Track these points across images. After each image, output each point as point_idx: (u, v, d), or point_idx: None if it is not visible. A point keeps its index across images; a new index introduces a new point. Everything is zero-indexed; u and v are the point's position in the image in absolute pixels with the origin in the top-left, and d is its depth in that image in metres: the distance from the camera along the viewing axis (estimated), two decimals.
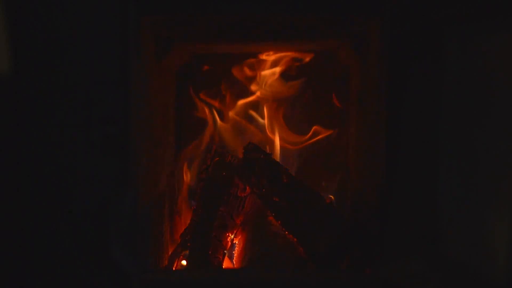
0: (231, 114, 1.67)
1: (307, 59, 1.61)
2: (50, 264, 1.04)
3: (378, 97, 1.16)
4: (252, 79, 1.65)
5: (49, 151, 1.04)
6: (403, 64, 1.06)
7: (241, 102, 1.67)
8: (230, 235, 1.46)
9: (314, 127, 1.64)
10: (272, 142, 1.65)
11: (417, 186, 1.07)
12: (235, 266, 1.44)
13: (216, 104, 1.69)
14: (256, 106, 1.68)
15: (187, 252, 1.39)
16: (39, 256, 1.04)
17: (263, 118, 1.67)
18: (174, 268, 1.39)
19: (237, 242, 1.48)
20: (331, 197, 1.61)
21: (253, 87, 1.65)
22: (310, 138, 1.65)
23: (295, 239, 1.34)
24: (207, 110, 1.69)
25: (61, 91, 1.04)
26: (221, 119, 1.69)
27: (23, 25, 1.02)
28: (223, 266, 1.42)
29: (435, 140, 1.06)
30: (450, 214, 1.06)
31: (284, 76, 1.65)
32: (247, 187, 1.46)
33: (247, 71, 1.64)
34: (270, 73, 1.63)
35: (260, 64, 1.63)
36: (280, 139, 1.65)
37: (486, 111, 1.02)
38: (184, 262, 1.40)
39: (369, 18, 1.20)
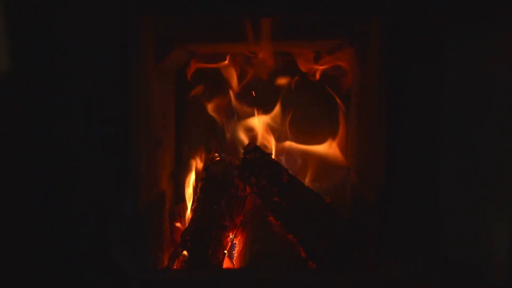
0: (232, 114, 1.68)
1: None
2: (50, 264, 1.04)
3: (378, 97, 1.16)
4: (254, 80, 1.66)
5: (49, 151, 1.04)
6: (403, 64, 1.06)
7: (242, 101, 1.67)
8: (230, 235, 1.46)
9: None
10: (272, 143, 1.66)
11: (417, 186, 1.07)
12: (235, 266, 1.44)
13: (217, 103, 1.69)
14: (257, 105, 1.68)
15: (186, 253, 1.39)
16: (39, 256, 1.04)
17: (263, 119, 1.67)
18: (174, 268, 1.39)
19: (237, 242, 1.48)
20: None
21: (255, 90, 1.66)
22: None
23: (295, 239, 1.34)
24: (207, 110, 1.69)
25: (61, 91, 1.04)
26: (222, 119, 1.69)
27: (23, 25, 1.02)
28: (223, 266, 1.42)
29: (435, 140, 1.06)
30: (450, 214, 1.06)
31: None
32: (247, 187, 1.46)
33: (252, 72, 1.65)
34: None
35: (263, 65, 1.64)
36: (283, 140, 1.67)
37: (486, 111, 1.02)
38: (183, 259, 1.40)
39: (369, 18, 1.20)
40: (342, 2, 1.10)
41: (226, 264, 1.44)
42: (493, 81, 1.01)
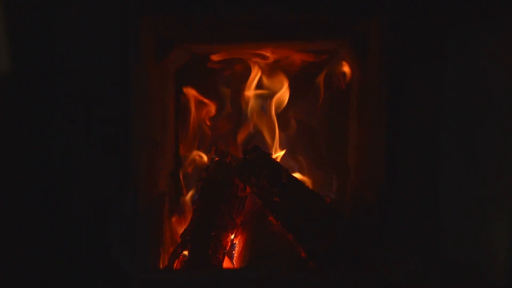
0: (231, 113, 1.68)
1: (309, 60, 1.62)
2: (50, 264, 1.04)
3: (378, 97, 1.16)
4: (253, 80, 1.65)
5: (49, 151, 1.04)
6: (403, 64, 1.06)
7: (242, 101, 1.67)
8: (230, 235, 1.46)
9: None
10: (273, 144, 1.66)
11: (417, 186, 1.07)
12: (235, 266, 1.44)
13: (217, 103, 1.69)
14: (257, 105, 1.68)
15: (186, 253, 1.39)
16: (39, 256, 1.04)
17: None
18: (174, 268, 1.39)
19: (237, 242, 1.48)
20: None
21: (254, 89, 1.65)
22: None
23: (295, 239, 1.34)
24: (207, 110, 1.69)
25: (61, 91, 1.04)
26: (222, 119, 1.69)
27: (23, 25, 1.02)
28: (223, 266, 1.42)
29: (435, 140, 1.06)
30: (450, 214, 1.06)
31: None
32: (247, 187, 1.46)
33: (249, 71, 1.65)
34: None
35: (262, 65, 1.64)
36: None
37: (486, 111, 1.02)
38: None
39: (369, 18, 1.20)
40: (342, 2, 1.10)
41: (226, 264, 1.44)
42: (493, 81, 1.01)
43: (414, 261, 1.07)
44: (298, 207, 1.34)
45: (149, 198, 1.25)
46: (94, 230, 1.04)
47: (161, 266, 1.39)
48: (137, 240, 1.10)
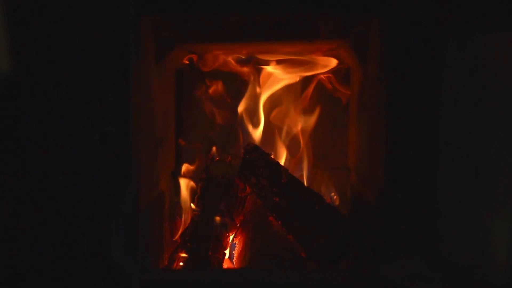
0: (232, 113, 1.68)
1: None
2: (50, 264, 1.04)
3: (378, 97, 1.16)
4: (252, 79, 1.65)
5: (49, 151, 1.04)
6: (403, 64, 1.06)
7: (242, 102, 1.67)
8: (230, 235, 1.46)
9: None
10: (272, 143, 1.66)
11: (417, 186, 1.07)
12: (235, 266, 1.44)
13: (217, 103, 1.69)
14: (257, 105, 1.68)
15: (186, 254, 1.39)
16: (39, 256, 1.04)
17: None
18: (174, 268, 1.39)
19: (237, 242, 1.48)
20: (333, 195, 1.62)
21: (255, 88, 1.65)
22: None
23: (295, 239, 1.34)
24: (207, 110, 1.69)
25: (61, 91, 1.04)
26: (222, 119, 1.69)
27: (23, 25, 1.02)
28: (223, 266, 1.42)
29: (435, 140, 1.06)
30: (450, 214, 1.06)
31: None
32: (247, 187, 1.46)
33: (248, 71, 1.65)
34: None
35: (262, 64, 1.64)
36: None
37: (486, 111, 1.02)
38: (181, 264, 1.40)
39: (369, 19, 1.20)
40: (343, 3, 1.10)
41: (226, 264, 1.44)
42: (493, 81, 1.01)
43: (414, 261, 1.07)
44: (298, 207, 1.34)
45: (149, 198, 1.25)
46: (94, 230, 1.04)
47: (161, 266, 1.39)
48: (137, 240, 1.10)
